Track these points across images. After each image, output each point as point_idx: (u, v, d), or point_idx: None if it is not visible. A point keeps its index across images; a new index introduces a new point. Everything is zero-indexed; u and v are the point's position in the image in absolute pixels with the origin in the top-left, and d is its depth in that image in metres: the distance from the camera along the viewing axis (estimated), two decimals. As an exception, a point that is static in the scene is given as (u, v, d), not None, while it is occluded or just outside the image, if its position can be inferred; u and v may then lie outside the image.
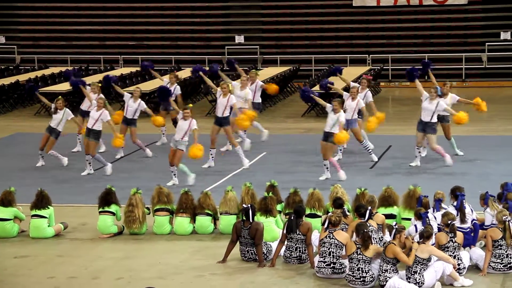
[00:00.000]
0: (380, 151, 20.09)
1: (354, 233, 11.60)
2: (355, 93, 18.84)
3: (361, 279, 11.36)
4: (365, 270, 11.36)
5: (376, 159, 19.16)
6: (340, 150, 19.19)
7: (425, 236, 11.32)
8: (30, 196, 14.24)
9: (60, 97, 19.46)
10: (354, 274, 11.40)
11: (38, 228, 13.88)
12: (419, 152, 18.45)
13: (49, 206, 14.02)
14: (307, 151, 20.58)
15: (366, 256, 11.36)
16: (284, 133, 21.91)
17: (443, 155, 18.23)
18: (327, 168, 17.36)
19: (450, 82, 19.96)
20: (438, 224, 12.36)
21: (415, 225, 12.50)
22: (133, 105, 19.71)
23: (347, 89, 20.21)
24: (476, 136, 20.10)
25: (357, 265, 11.39)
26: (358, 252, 11.40)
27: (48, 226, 13.95)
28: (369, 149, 19.19)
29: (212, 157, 18.73)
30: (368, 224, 11.93)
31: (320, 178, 17.23)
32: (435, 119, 18.11)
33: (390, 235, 11.48)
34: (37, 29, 37.67)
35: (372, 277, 11.35)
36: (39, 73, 30.93)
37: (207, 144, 19.00)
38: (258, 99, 21.16)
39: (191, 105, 17.69)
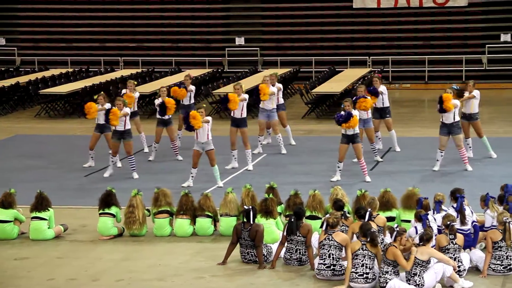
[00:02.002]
0: (381, 153, 20.08)
1: (359, 234, 11.60)
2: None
3: (364, 275, 11.37)
4: (369, 267, 11.37)
5: (380, 159, 19.28)
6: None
7: (425, 239, 11.31)
8: (30, 198, 14.23)
9: (101, 92, 19.35)
10: (358, 271, 11.40)
11: (38, 230, 13.88)
12: (442, 156, 18.30)
13: (49, 208, 14.02)
14: (308, 153, 20.59)
15: (371, 252, 11.38)
16: (284, 134, 21.85)
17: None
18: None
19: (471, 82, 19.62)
20: (438, 226, 12.36)
21: (415, 227, 12.50)
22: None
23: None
24: (477, 137, 20.05)
25: (362, 261, 11.40)
26: (364, 248, 11.41)
27: (48, 228, 13.95)
28: (375, 150, 19.35)
29: (235, 158, 18.77)
30: (369, 226, 11.93)
31: (332, 180, 17.24)
32: (457, 118, 18.03)
33: (391, 237, 11.48)
34: (37, 31, 37.68)
35: (374, 275, 11.35)
36: (39, 74, 30.96)
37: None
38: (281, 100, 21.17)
39: (204, 105, 17.64)
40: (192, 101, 20.81)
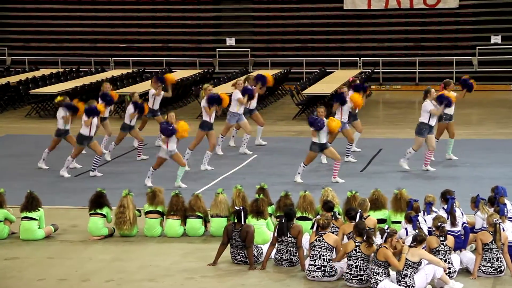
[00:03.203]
0: (371, 154, 20.11)
1: (354, 234, 11.63)
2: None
3: (359, 277, 11.40)
4: (363, 268, 11.40)
5: (353, 160, 19.32)
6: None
7: (418, 240, 11.33)
8: (20, 198, 14.20)
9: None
10: (352, 272, 11.45)
11: (29, 230, 13.85)
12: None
13: (39, 208, 13.99)
14: (298, 154, 20.59)
15: (365, 254, 11.40)
16: (275, 135, 21.92)
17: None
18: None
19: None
20: (429, 228, 12.38)
21: (406, 228, 12.52)
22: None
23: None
24: (467, 139, 20.14)
25: (355, 262, 11.43)
26: (357, 250, 11.43)
27: (39, 228, 13.92)
28: (350, 152, 19.45)
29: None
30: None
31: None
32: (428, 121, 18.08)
33: (382, 238, 11.50)
34: (27, 31, 37.60)
35: (369, 275, 11.38)
36: (29, 74, 30.89)
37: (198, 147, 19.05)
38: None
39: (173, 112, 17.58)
40: (157, 106, 20.65)
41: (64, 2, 37.69)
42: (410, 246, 11.33)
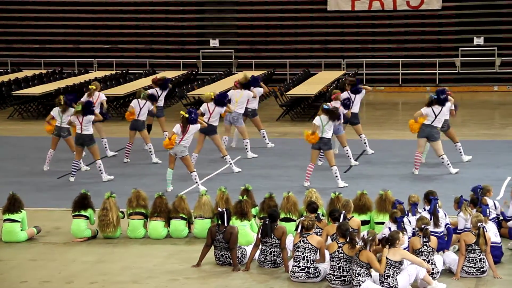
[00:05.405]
0: (354, 155, 20.11)
1: (338, 235, 11.64)
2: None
3: (342, 278, 11.42)
4: (346, 269, 11.41)
5: (354, 163, 19.31)
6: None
7: (389, 242, 11.23)
8: (2, 200, 14.13)
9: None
10: (335, 274, 11.46)
11: (11, 232, 13.78)
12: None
13: (21, 210, 13.93)
14: (282, 155, 20.61)
15: (347, 255, 11.42)
16: (258, 137, 21.89)
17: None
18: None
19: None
20: (413, 229, 12.40)
21: (389, 228, 12.52)
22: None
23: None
24: (449, 140, 20.14)
25: (338, 263, 11.45)
26: (340, 251, 11.44)
27: (21, 230, 13.86)
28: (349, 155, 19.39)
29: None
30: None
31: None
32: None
33: (366, 245, 11.49)
34: (10, 32, 37.44)
35: (351, 276, 11.39)
36: (12, 76, 30.77)
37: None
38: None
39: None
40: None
41: (46, 3, 37.57)
42: (389, 247, 11.31)
